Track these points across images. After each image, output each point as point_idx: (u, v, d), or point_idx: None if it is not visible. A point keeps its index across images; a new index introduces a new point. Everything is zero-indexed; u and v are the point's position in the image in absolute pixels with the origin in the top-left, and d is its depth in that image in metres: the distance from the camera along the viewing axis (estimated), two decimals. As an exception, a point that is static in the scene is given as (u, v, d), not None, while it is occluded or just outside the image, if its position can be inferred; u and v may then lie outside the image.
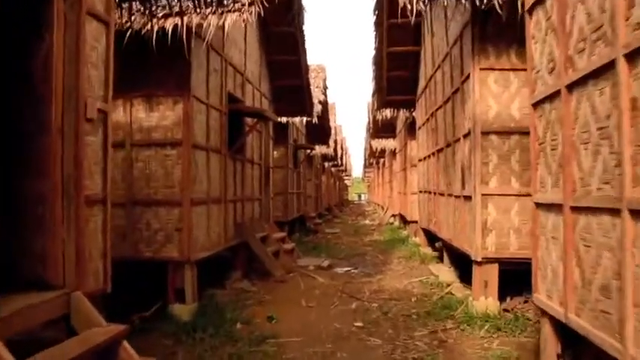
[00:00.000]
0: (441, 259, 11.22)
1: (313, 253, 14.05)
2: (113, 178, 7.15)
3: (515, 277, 7.12)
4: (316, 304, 7.96)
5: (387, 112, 13.96)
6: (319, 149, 21.80)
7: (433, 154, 10.18)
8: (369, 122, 23.95)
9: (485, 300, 6.63)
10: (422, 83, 11.63)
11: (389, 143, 21.81)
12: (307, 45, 12.26)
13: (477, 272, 6.68)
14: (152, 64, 6.95)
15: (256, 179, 11.15)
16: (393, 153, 22.46)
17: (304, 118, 14.05)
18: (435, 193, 10.08)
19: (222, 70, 8.59)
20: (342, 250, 14.80)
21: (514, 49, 6.64)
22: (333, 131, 23.81)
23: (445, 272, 9.39)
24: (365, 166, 49.79)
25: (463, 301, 7.49)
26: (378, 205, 38.81)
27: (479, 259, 6.58)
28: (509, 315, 6.64)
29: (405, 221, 19.25)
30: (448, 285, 8.91)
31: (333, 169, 38.78)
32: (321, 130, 21.17)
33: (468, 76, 7.03)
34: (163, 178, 7.04)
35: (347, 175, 62.10)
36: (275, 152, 15.25)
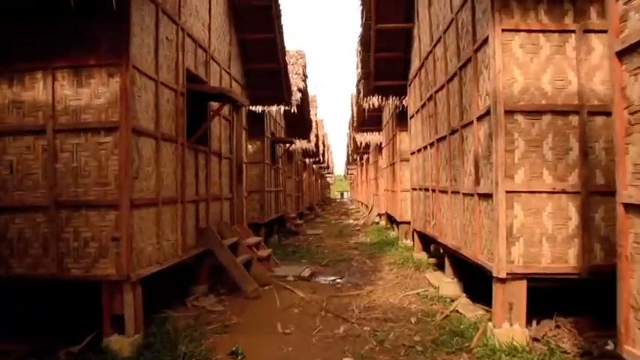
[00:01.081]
0: (439, 267, 9.78)
1: (293, 258, 12.54)
2: (31, 173, 5.65)
3: (540, 293, 5.71)
4: (295, 328, 6.44)
5: (375, 100, 12.47)
6: (299, 144, 20.25)
7: (431, 144, 8.72)
8: (352, 116, 22.48)
9: (510, 327, 5.18)
10: (416, 64, 10.16)
11: (374, 137, 20.34)
12: (284, 22, 10.72)
13: (498, 292, 5.22)
14: (79, 22, 5.37)
15: (225, 175, 9.58)
16: (379, 148, 21.01)
17: (282, 108, 12.48)
18: (434, 191, 8.62)
19: (179, 41, 7.01)
20: (325, 254, 13.30)
21: (544, 3, 5.19)
22: (314, 125, 22.27)
23: (447, 284, 7.93)
24: (347, 163, 48.37)
25: (476, 324, 6.03)
26: (362, 203, 37.40)
27: (502, 275, 5.12)
28: (540, 346, 5.20)
29: (393, 221, 17.80)
30: (452, 300, 7.48)
31: (314, 165, 37.25)
32: (301, 123, 19.62)
33: (483, 42, 5.57)
34: (96, 173, 5.44)
35: (329, 173, 60.62)
36: (250, 146, 13.69)
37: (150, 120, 5.99)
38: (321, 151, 30.03)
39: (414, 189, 11.06)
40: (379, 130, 19.93)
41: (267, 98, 12.21)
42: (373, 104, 12.66)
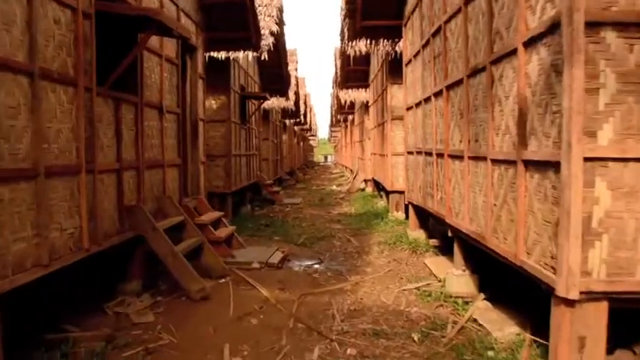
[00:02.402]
0: (443, 251, 7.87)
1: (264, 235, 10.56)
2: None
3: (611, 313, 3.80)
4: (249, 352, 4.48)
5: (362, 45, 10.31)
6: (277, 102, 18.05)
7: (437, 94, 6.66)
8: (336, 71, 20.24)
9: (581, 372, 3.25)
10: (415, -6, 8.00)
11: (360, 95, 18.19)
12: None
13: (564, 320, 3.25)
14: None
15: (171, 136, 7.45)
16: (366, 107, 18.89)
17: (250, 54, 10.27)
18: (439, 155, 6.61)
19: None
20: (303, 229, 11.33)
21: None
22: (294, 81, 20.00)
23: (457, 278, 6.01)
24: (331, 125, 46.16)
25: (514, 356, 4.12)
26: (346, 167, 35.44)
27: (573, 296, 3.15)
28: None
29: (381, 189, 15.86)
30: (466, 302, 5.57)
31: (296, 127, 35.02)
32: (278, 78, 17.39)
33: None
34: None
35: (312, 135, 58.37)
36: (212, 102, 11.51)
37: (14, 45, 3.83)
38: (302, 112, 27.78)
39: (409, 152, 9.04)
40: (366, 86, 17.78)
41: (231, 41, 9.98)
42: (360, 50, 10.50)
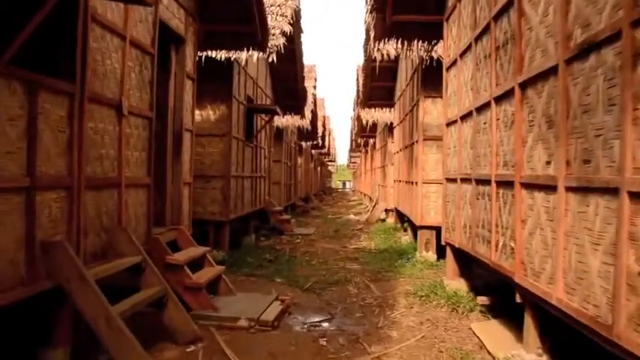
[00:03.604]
0: (492, 311, 5.86)
1: (264, 275, 8.62)
2: None
3: None
4: None
5: (391, 48, 8.46)
6: (291, 120, 16.30)
7: (501, 98, 4.71)
8: (358, 89, 18.45)
9: None
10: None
11: (383, 115, 16.33)
12: None
13: None
14: None
15: (135, 147, 5.57)
16: (389, 128, 17.01)
17: (255, 55, 8.47)
18: (504, 185, 4.63)
19: None
20: (312, 268, 9.36)
21: None
22: (311, 99, 18.24)
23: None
24: (351, 150, 44.34)
25: None
26: (365, 195, 33.46)
27: None
28: None
29: (404, 220, 13.86)
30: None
31: (313, 151, 33.24)
32: (292, 93, 15.66)
33: None
34: None
35: (330, 161, 56.62)
36: (210, 112, 9.72)
37: None
38: (320, 134, 26.00)
39: (449, 180, 7.07)
40: (390, 105, 15.93)
41: (233, 37, 8.23)
42: (388, 55, 8.64)
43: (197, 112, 9.61)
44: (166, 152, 6.87)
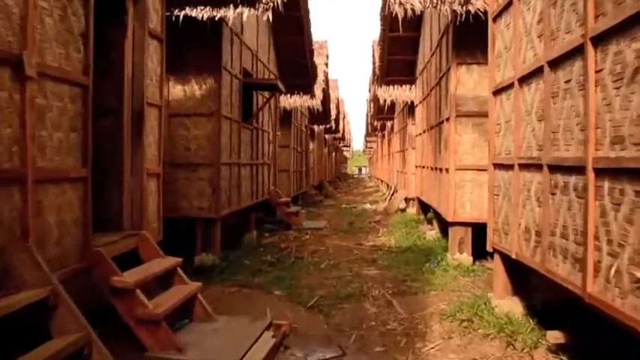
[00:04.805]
0: (567, 351, 4.14)
1: (260, 286, 7.00)
2: None
3: None
4: None
5: (416, 1, 6.66)
6: (300, 100, 14.54)
7: (600, 39, 2.95)
8: (374, 65, 16.59)
9: None
10: None
11: (403, 94, 14.46)
12: None
13: None
14: None
15: (56, 125, 3.84)
16: (410, 108, 15.17)
17: (246, 12, 6.73)
18: (607, 174, 2.88)
19: None
20: (320, 274, 7.70)
21: None
22: (322, 76, 16.42)
23: None
24: (367, 134, 42.44)
25: None
26: (382, 181, 31.66)
27: None
28: None
29: (427, 209, 12.12)
30: None
31: (326, 136, 31.43)
32: (301, 70, 13.90)
33: None
34: None
35: (345, 146, 54.77)
36: (195, 86, 8.02)
37: None
38: (333, 116, 24.19)
39: (499, 166, 5.27)
40: (411, 82, 14.08)
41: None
42: (412, 8, 6.84)
43: (179, 86, 7.97)
44: (123, 135, 5.19)
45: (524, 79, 4.44)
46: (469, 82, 7.64)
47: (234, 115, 8.83)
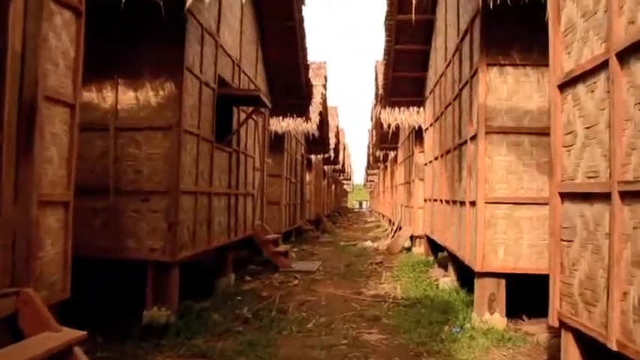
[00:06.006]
0: None
1: (221, 359, 5.10)
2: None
3: None
4: None
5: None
6: (293, 124, 12.82)
7: None
8: (377, 86, 14.97)
9: None
10: None
11: (409, 117, 12.74)
12: None
13: None
14: None
15: None
16: (417, 133, 13.44)
17: None
18: None
19: None
20: (305, 341, 5.77)
21: None
22: (319, 99, 14.76)
23: None
24: (368, 167, 40.74)
25: None
26: (383, 216, 29.78)
27: None
28: None
29: (438, 249, 10.28)
30: None
31: (325, 167, 29.69)
32: (294, 89, 12.23)
33: None
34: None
35: (346, 179, 53.05)
36: (150, 92, 6.28)
37: None
38: (332, 145, 22.50)
39: (569, 196, 3.44)
40: (418, 103, 12.39)
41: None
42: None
43: (130, 92, 6.29)
44: (1, 142, 3.41)
45: (633, 51, 2.67)
46: (502, 89, 5.89)
47: (203, 132, 7.06)
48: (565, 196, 3.51)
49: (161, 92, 6.25)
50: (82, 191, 6.31)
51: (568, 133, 3.48)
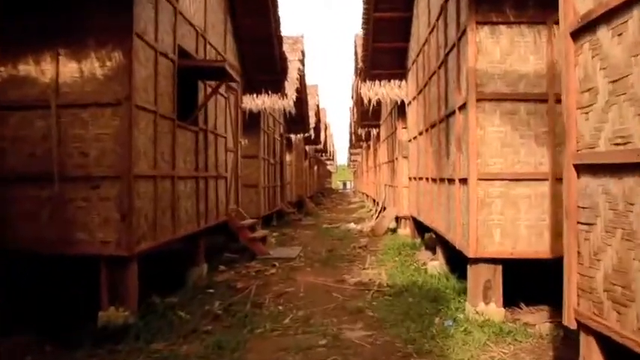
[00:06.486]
0: None
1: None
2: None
3: None
4: None
5: None
6: (268, 101, 12.05)
7: None
8: (356, 58, 14.20)
9: None
10: None
11: (391, 91, 12.03)
12: None
13: None
14: None
15: None
16: (399, 108, 12.75)
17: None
18: None
19: None
20: (280, 341, 5.09)
21: None
22: (296, 74, 13.99)
23: None
24: (350, 146, 40.06)
25: None
26: (367, 196, 29.20)
27: None
28: None
29: (424, 229, 9.69)
30: None
31: (307, 147, 28.93)
32: (268, 63, 11.46)
33: None
34: None
35: (329, 159, 52.34)
36: (95, 63, 5.49)
37: None
38: (312, 124, 21.75)
39: (588, 168, 2.81)
40: (400, 76, 11.69)
41: None
42: None
43: (73, 64, 5.47)
44: None
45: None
46: (494, 51, 5.21)
47: (162, 108, 6.30)
48: (582, 169, 2.86)
49: (108, 63, 5.47)
50: (22, 178, 5.60)
51: (585, 91, 2.82)
